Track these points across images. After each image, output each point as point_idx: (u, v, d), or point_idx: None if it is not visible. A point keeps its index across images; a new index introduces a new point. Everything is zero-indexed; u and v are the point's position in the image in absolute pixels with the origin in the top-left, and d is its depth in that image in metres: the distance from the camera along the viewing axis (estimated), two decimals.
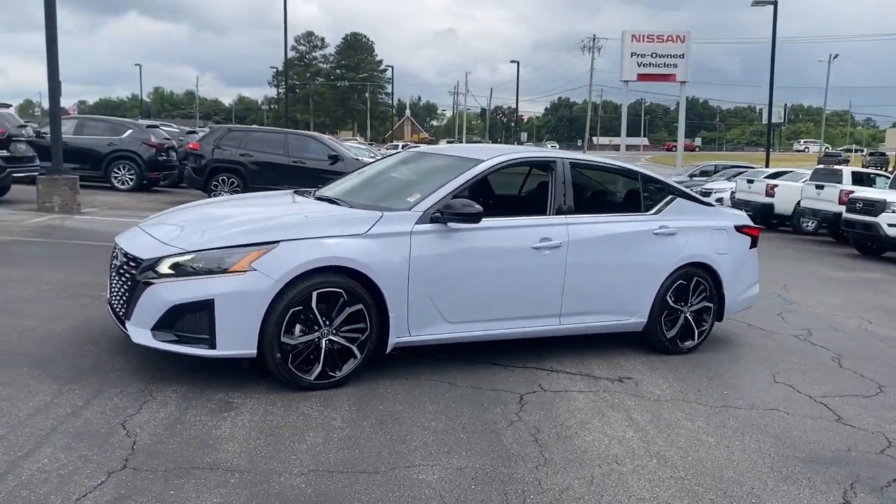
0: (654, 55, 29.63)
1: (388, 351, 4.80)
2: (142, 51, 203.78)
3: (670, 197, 6.11)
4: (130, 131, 18.22)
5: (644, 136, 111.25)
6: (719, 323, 6.32)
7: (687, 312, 6.00)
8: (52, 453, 3.45)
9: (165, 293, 4.31)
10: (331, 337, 4.55)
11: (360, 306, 4.59)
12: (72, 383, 4.37)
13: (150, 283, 4.35)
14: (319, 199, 5.49)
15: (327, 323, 4.53)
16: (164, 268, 4.36)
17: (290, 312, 4.38)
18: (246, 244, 4.41)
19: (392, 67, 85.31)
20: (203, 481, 3.30)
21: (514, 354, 5.55)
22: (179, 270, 4.34)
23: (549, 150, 6.23)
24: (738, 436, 4.32)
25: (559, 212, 5.48)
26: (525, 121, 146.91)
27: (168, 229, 4.81)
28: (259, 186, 14.15)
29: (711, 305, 6.12)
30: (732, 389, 5.22)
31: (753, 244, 6.50)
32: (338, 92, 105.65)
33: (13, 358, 4.76)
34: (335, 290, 4.50)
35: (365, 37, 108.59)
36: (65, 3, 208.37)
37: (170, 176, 18.67)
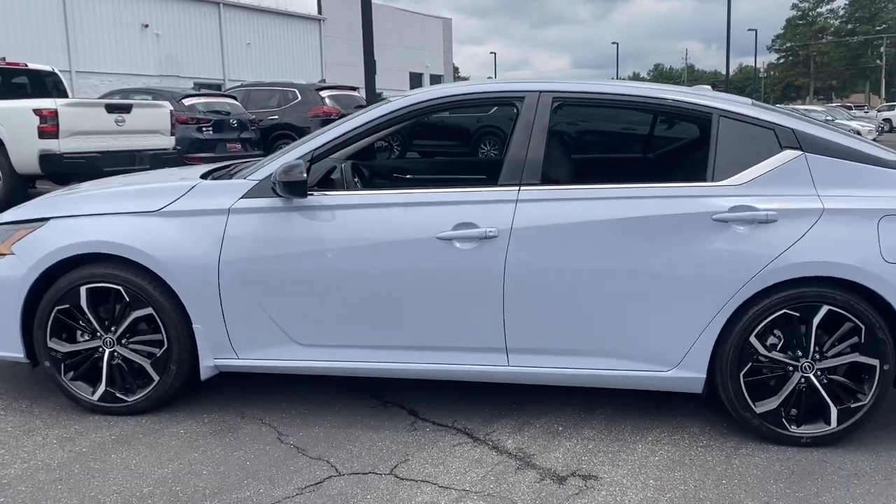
0: None
1: (204, 377, 3.44)
2: (649, 30, 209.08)
3: (786, 153, 3.22)
4: (495, 108, 18.53)
5: None
6: None
7: (809, 372, 3.15)
8: None
9: None
10: (116, 349, 3.43)
11: (150, 310, 3.36)
12: None
13: None
14: (211, 170, 3.98)
15: (112, 330, 3.42)
16: None
17: (55, 311, 3.40)
18: (13, 221, 3.56)
19: None
20: None
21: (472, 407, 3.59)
22: None
23: (521, 82, 3.65)
24: None
25: (511, 181, 3.30)
26: None
27: None
28: None
29: (875, 363, 3.11)
30: None
31: None
32: (847, 50, 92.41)
33: None
34: (112, 286, 3.36)
35: None
36: None
37: None
